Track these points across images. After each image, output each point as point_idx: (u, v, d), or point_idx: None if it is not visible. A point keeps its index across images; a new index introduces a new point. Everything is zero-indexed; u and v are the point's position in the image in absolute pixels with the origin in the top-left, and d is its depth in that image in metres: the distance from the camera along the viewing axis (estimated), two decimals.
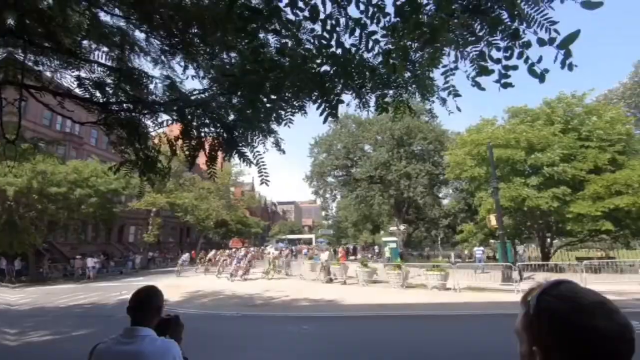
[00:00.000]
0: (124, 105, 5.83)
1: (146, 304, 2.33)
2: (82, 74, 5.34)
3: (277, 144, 5.44)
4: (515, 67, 2.94)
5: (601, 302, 0.94)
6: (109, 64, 5.38)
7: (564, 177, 21.48)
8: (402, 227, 38.46)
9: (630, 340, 0.90)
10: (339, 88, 3.91)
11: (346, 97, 4.17)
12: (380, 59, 3.51)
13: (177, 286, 21.64)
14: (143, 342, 2.15)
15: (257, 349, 9.24)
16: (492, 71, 2.98)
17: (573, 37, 2.55)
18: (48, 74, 5.77)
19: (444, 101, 4.14)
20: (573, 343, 0.91)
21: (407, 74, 4.06)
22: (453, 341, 9.55)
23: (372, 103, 4.49)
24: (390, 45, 3.14)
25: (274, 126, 5.06)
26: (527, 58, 2.84)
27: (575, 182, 22.43)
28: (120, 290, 21.48)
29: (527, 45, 2.84)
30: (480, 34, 2.98)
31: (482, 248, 28.21)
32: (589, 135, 23.09)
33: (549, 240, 26.79)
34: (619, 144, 23.07)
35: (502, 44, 2.94)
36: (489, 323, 11.21)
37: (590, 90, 27.37)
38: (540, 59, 2.80)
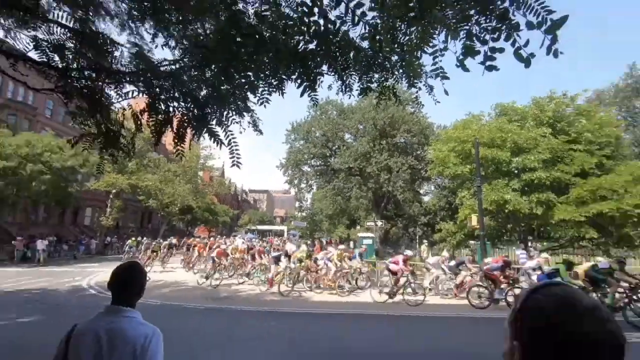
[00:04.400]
0: (86, 72, 5.66)
1: (130, 282, 2.32)
2: (40, 35, 5.14)
3: (254, 124, 5.34)
4: (501, 50, 2.99)
5: (594, 307, 0.96)
6: (71, 25, 5.19)
7: (545, 182, 21.92)
8: (379, 223, 38.67)
9: (617, 347, 0.92)
10: (320, 65, 3.88)
11: (328, 79, 4.14)
12: (365, 40, 3.49)
13: None
14: (131, 322, 2.18)
15: (224, 344, 9.22)
16: (478, 52, 3.02)
17: (561, 22, 2.59)
18: (0, 33, 5.56)
19: (431, 88, 4.16)
20: (555, 343, 0.94)
21: (394, 57, 4.05)
22: (429, 341, 9.73)
23: (355, 87, 4.46)
24: (377, 20, 3.13)
25: (251, 104, 4.97)
26: (514, 41, 2.89)
27: (561, 186, 22.95)
28: (72, 276, 21.09)
29: (516, 27, 2.87)
30: (470, 12, 3.00)
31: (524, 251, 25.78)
32: (577, 137, 23.59)
33: (530, 244, 27.32)
34: (607, 147, 23.61)
35: (491, 25, 2.96)
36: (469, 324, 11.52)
37: (584, 90, 27.82)
38: (527, 43, 2.84)
